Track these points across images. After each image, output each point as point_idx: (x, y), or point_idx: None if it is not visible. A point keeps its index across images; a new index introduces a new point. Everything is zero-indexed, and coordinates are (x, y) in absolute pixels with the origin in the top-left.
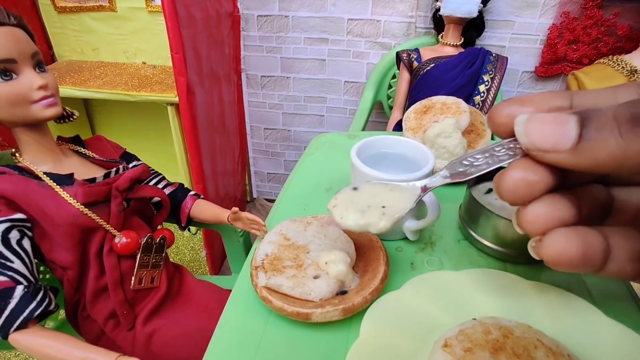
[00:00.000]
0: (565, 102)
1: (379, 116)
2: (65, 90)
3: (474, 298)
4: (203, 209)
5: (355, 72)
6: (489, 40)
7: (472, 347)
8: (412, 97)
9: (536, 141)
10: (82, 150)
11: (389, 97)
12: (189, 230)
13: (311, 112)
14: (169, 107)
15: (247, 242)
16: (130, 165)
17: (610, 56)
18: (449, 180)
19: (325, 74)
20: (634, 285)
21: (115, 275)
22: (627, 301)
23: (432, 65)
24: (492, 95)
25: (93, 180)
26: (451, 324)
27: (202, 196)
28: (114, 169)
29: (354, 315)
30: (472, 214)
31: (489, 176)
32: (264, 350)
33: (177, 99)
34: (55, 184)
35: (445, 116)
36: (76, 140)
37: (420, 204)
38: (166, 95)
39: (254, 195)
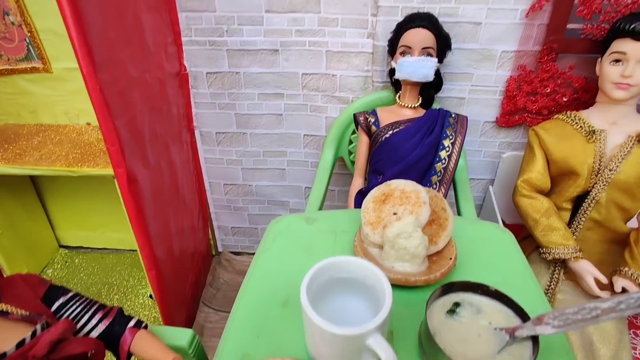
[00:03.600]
0: None
1: (342, 168)
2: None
3: None
4: (143, 347)
5: (314, 125)
6: (448, 92)
7: None
8: (373, 164)
9: None
10: None
11: (350, 153)
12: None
13: (272, 166)
14: (115, 180)
15: None
16: (55, 306)
17: (569, 112)
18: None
19: (283, 129)
20: None
21: None
22: None
23: (391, 132)
24: (453, 160)
25: (3, 355)
26: None
27: (144, 324)
28: (33, 328)
29: None
30: (428, 344)
31: (455, 289)
32: None
33: None
34: None
35: (405, 208)
36: None
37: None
38: (110, 169)
39: (219, 249)
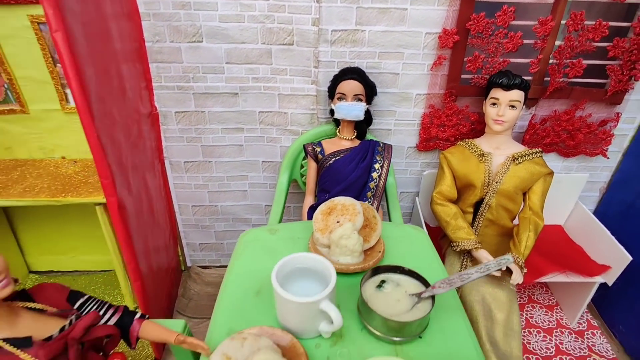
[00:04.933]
0: None
1: (295, 188)
2: None
3: None
4: (150, 331)
5: (271, 153)
6: (378, 125)
7: None
8: (321, 185)
9: None
10: (32, 305)
11: (302, 175)
12: None
13: (235, 188)
14: (97, 207)
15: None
16: (77, 304)
17: (467, 140)
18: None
19: (244, 157)
20: None
21: None
22: None
23: (333, 160)
24: (382, 179)
25: (50, 337)
26: None
27: (147, 316)
28: (68, 319)
29: None
30: (363, 308)
31: (381, 271)
32: None
33: (104, 200)
34: (15, 348)
35: (345, 217)
36: (23, 295)
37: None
38: (94, 197)
39: (188, 264)
